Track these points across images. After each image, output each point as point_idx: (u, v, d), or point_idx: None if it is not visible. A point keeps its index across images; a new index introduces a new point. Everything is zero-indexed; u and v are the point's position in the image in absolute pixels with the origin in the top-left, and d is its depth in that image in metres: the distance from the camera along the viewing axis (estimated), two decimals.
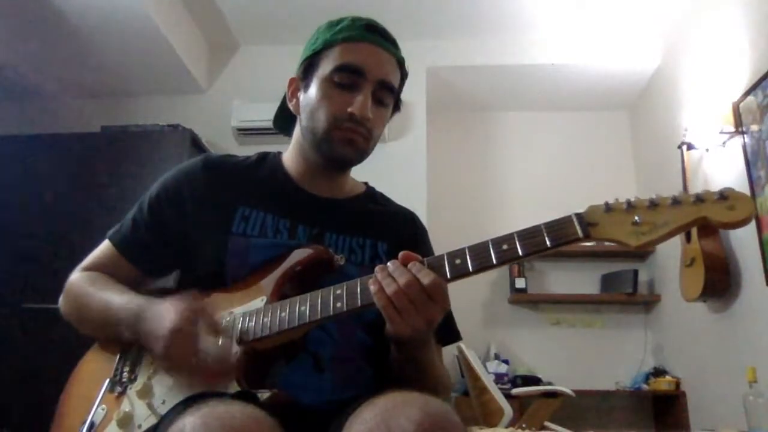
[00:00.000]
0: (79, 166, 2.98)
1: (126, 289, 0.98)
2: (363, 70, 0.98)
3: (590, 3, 3.27)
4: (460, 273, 0.79)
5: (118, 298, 0.94)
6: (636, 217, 0.72)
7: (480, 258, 0.78)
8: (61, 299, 1.04)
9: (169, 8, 3.17)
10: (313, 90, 1.01)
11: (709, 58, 3.00)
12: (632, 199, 0.74)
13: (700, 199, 0.70)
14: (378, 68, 0.99)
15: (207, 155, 1.10)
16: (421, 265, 0.80)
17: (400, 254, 0.82)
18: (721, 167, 2.83)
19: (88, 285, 1.00)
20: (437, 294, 0.78)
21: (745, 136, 2.63)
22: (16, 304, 2.69)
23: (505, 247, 0.77)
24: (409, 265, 0.80)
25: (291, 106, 1.07)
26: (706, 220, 0.70)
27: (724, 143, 2.79)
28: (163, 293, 0.96)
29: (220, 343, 0.84)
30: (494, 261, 0.77)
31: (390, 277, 0.79)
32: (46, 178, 2.96)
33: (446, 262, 0.80)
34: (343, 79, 0.98)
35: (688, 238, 2.85)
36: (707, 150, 2.92)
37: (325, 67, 1.00)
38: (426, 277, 0.77)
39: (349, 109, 0.97)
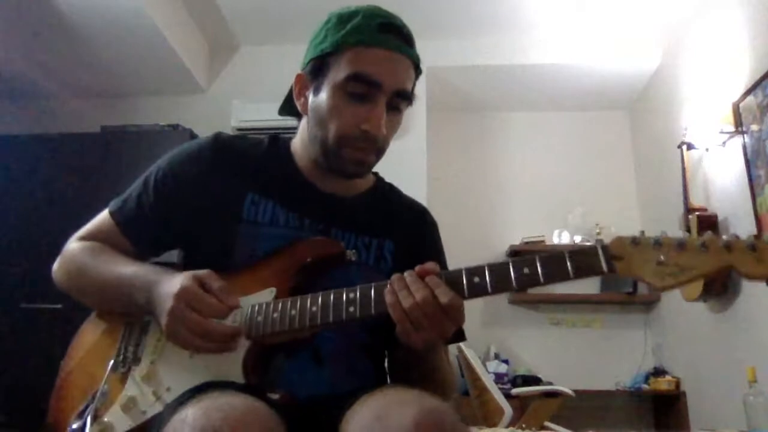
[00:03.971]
0: (79, 166, 2.98)
1: (133, 261, 0.97)
2: (378, 82, 0.91)
3: (590, 3, 3.27)
4: (478, 292, 0.77)
5: (129, 268, 0.93)
6: (661, 257, 0.70)
7: (500, 279, 0.76)
8: (56, 266, 1.03)
9: (169, 8, 3.17)
10: (324, 96, 0.94)
11: (709, 58, 3.00)
12: (660, 237, 0.72)
13: (728, 246, 0.68)
14: (394, 78, 0.93)
15: (218, 134, 1.05)
16: (439, 280, 0.78)
17: (417, 268, 0.80)
18: (721, 167, 2.83)
19: (92, 256, 0.99)
20: (454, 313, 0.77)
21: (745, 136, 2.63)
22: (15, 304, 2.69)
23: (526, 271, 0.75)
24: (427, 279, 0.78)
25: (298, 104, 1.02)
26: (734, 269, 0.68)
27: (724, 143, 2.79)
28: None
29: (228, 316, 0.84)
30: (515, 285, 0.75)
31: (407, 289, 0.77)
32: (46, 178, 2.96)
33: (464, 279, 0.78)
34: (356, 89, 0.92)
35: None
36: (707, 150, 2.92)
37: (337, 73, 0.93)
38: (444, 296, 0.76)
39: (363, 126, 0.92)
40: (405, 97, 0.96)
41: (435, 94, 3.68)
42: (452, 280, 0.78)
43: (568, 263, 0.73)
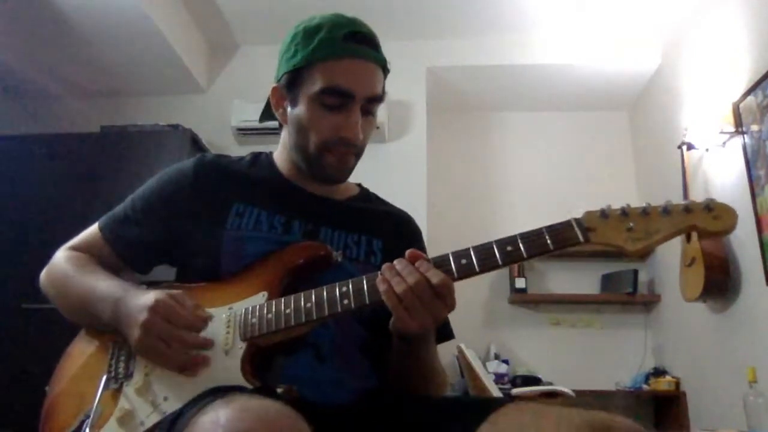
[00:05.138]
0: (79, 166, 2.98)
1: (113, 276, 1.00)
2: (351, 92, 0.97)
3: (590, 3, 3.27)
4: (466, 273, 0.81)
5: (104, 282, 0.96)
6: (631, 224, 0.77)
7: (486, 258, 0.80)
8: (43, 273, 1.06)
9: (169, 8, 3.17)
10: (301, 108, 1.00)
11: (709, 58, 3.00)
12: (626, 207, 0.78)
13: (688, 209, 0.76)
14: (365, 86, 0.98)
15: (202, 156, 1.11)
16: (429, 263, 0.81)
17: (407, 252, 0.84)
18: (721, 167, 2.83)
19: (76, 266, 1.02)
20: (445, 293, 0.80)
21: (745, 136, 2.63)
22: (16, 304, 2.69)
23: (509, 248, 0.79)
24: (417, 264, 0.81)
25: (278, 115, 1.07)
26: (695, 228, 0.76)
27: (724, 143, 2.79)
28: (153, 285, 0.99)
29: (201, 333, 0.86)
30: (500, 262, 0.79)
31: (399, 276, 0.81)
32: (46, 178, 2.95)
33: (452, 262, 0.81)
34: (331, 100, 0.97)
35: (688, 239, 2.85)
36: (707, 150, 2.92)
37: (310, 86, 0.98)
38: (435, 277, 0.79)
39: (342, 134, 0.98)
40: (377, 101, 1.01)
41: (435, 94, 3.68)
42: (441, 263, 0.82)
43: (547, 237, 0.79)
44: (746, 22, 2.68)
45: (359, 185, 1.19)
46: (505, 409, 0.76)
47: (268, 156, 1.13)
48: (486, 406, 0.78)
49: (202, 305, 0.91)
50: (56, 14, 2.87)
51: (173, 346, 0.84)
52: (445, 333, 1.08)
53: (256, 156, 1.14)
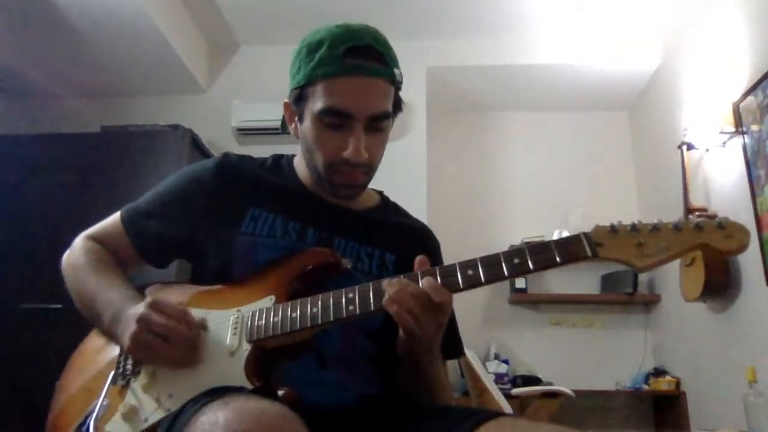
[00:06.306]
0: (79, 166, 2.98)
1: (119, 282, 1.00)
2: (350, 113, 0.93)
3: (590, 3, 3.27)
4: (472, 284, 0.81)
5: (105, 293, 0.97)
6: (641, 239, 0.76)
7: (492, 270, 0.81)
8: (63, 259, 1.08)
9: (169, 8, 3.17)
10: (307, 126, 0.99)
11: (709, 58, 3.00)
12: (636, 223, 0.78)
13: (699, 227, 0.75)
14: (365, 106, 0.94)
15: (226, 155, 1.10)
16: (433, 278, 0.82)
17: (417, 259, 0.86)
18: (721, 167, 2.83)
19: (91, 263, 1.03)
20: (445, 307, 0.82)
21: (745, 136, 2.63)
22: (15, 304, 2.69)
23: (516, 261, 0.80)
24: (423, 280, 0.82)
25: (290, 129, 1.06)
26: (706, 246, 0.75)
27: (724, 143, 2.79)
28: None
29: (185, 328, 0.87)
30: (506, 273, 0.80)
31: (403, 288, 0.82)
32: (46, 178, 2.95)
33: (459, 272, 0.82)
34: (331, 120, 0.94)
35: None
36: (707, 150, 2.92)
37: (313, 105, 0.96)
38: (437, 295, 0.80)
39: (344, 154, 0.95)
40: (383, 118, 0.98)
41: (435, 94, 3.68)
42: (447, 273, 0.82)
43: (555, 251, 0.79)
44: (746, 22, 2.68)
45: (380, 193, 1.17)
46: (484, 427, 0.76)
47: (289, 160, 1.12)
48: (467, 420, 0.78)
49: (207, 306, 0.92)
50: (56, 14, 2.87)
51: (170, 337, 0.84)
52: (455, 349, 1.08)
53: (278, 159, 1.13)
